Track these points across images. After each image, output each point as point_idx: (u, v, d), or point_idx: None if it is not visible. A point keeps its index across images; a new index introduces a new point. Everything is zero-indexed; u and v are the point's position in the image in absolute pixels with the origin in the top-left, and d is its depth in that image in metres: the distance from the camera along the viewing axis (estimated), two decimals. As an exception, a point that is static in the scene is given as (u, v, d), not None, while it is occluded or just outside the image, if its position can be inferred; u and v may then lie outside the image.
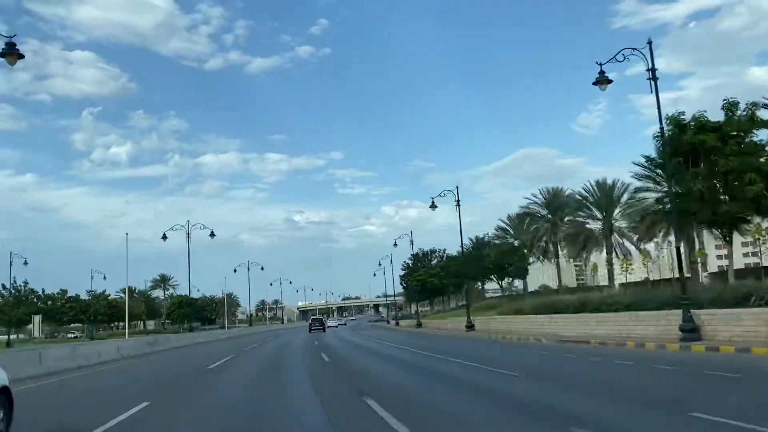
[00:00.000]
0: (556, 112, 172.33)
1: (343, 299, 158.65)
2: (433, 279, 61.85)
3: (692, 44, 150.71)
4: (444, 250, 72.01)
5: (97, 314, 72.95)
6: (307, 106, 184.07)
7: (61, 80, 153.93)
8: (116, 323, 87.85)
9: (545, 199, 47.15)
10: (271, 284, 77.12)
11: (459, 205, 29.36)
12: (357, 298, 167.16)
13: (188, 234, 30.66)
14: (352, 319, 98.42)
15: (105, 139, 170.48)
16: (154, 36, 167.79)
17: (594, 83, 15.76)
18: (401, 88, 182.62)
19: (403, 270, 69.35)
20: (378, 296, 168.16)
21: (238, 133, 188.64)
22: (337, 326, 71.01)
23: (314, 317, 65.84)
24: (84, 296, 73.28)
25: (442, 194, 30.46)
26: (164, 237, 30.27)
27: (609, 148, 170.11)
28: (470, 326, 27.71)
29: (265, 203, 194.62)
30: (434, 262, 72.62)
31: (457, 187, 30.61)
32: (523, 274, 55.50)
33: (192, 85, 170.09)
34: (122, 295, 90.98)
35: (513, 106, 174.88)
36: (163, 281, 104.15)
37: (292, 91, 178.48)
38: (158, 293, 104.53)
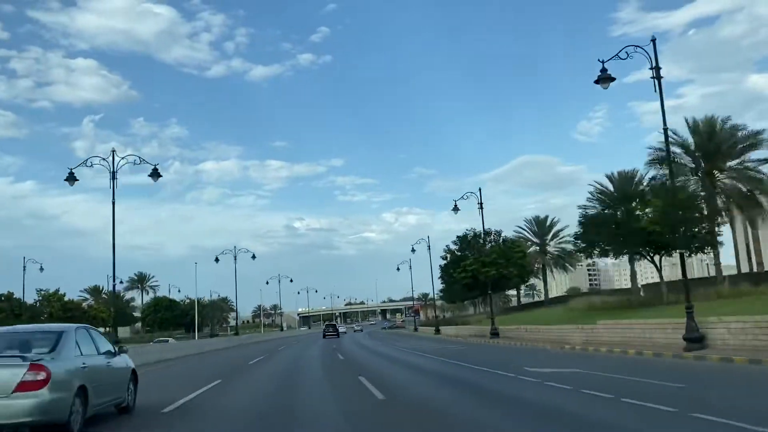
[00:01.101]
0: (557, 120, 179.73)
1: (347, 304, 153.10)
2: (488, 269, 47.17)
3: (692, 52, 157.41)
4: (500, 232, 57.56)
5: (45, 317, 58.43)
6: (308, 114, 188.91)
7: (63, 87, 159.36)
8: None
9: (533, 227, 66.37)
10: (267, 282, 68.24)
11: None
12: (362, 303, 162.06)
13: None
14: (358, 327, 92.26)
15: (106, 146, 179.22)
16: (156, 44, 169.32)
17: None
18: (402, 95, 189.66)
19: (443, 259, 56.79)
20: (383, 301, 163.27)
21: (239, 140, 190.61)
22: (355, 331, 76.90)
23: (328, 323, 72.19)
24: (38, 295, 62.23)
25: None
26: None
27: (608, 155, 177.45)
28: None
29: (266, 210, 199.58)
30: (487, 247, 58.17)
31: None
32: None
33: (193, 92, 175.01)
34: (86, 296, 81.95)
35: (514, 114, 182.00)
36: (140, 281, 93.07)
37: (293, 98, 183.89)
38: (136, 296, 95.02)
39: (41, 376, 5.59)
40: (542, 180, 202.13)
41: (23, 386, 5.51)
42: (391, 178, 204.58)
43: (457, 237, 56.06)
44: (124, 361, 7.98)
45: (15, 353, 5.99)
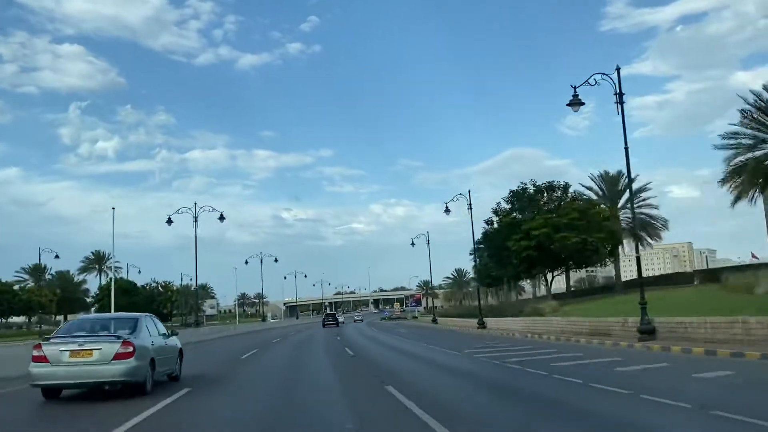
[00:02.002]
0: (545, 113, 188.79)
1: (336, 294, 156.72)
2: (565, 235, 36.06)
3: (679, 48, 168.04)
4: (567, 185, 46.41)
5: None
6: (297, 103, 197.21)
7: (49, 73, 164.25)
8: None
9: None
10: (246, 262, 64.05)
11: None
12: (352, 293, 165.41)
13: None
14: (358, 317, 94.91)
15: (92, 133, 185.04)
16: (144, 30, 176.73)
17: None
18: (391, 86, 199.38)
19: (487, 224, 47.23)
20: (374, 291, 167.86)
21: (227, 129, 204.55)
22: (355, 321, 79.34)
23: (328, 313, 76.42)
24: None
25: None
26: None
27: (595, 150, 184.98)
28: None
29: (253, 200, 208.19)
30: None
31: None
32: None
33: (181, 80, 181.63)
34: (24, 276, 74.95)
35: (502, 106, 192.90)
36: (97, 261, 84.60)
37: (282, 87, 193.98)
38: (93, 279, 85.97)
39: (129, 349, 8.77)
40: (529, 173, 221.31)
41: (118, 356, 8.69)
42: (379, 170, 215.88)
43: (511, 192, 45.91)
44: (174, 341, 11.26)
45: (110, 333, 9.20)
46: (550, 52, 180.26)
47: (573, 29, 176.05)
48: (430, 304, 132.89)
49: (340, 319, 67.99)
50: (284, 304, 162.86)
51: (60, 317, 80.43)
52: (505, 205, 47.23)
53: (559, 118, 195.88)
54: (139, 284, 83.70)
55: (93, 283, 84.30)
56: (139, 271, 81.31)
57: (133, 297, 75.25)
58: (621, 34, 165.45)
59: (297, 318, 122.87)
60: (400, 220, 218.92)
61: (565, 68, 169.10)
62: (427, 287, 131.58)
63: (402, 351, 19.22)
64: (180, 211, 34.71)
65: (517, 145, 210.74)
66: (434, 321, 50.88)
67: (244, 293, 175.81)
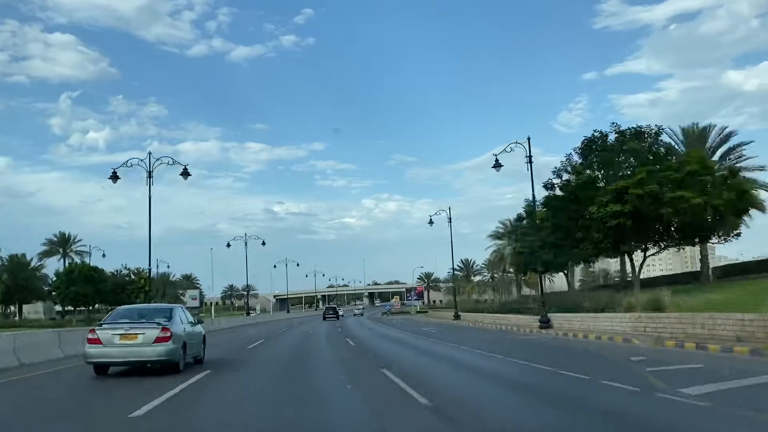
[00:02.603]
0: (538, 110, 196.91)
1: (329, 287, 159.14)
2: (682, 194, 29.26)
3: (672, 46, 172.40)
4: (659, 131, 37.25)
5: None
6: (290, 96, 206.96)
7: (40, 62, 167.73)
8: None
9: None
10: (228, 245, 57.53)
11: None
12: (345, 285, 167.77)
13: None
14: (358, 311, 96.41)
15: (83, 123, 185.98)
16: (137, 20, 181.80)
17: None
18: (384, 81, 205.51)
19: (547, 189, 38.45)
20: (369, 284, 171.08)
21: (219, 121, 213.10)
22: (355, 315, 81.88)
23: (328, 306, 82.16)
24: None
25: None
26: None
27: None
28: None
29: (245, 193, 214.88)
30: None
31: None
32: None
33: (173, 71, 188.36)
34: None
35: (495, 102, 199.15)
36: (62, 243, 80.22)
37: (275, 80, 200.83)
38: (54, 264, 79.14)
39: (167, 334, 11.16)
40: (521, 169, 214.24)
41: (158, 339, 11.08)
42: (371, 164, 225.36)
43: (586, 140, 36.84)
44: (200, 328, 13.77)
45: (151, 320, 11.54)
46: (543, 48, 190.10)
47: (567, 26, 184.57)
48: (433, 298, 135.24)
49: (340, 313, 71.45)
50: (274, 296, 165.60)
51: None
52: (577, 159, 37.56)
53: (553, 115, 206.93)
54: (109, 271, 78.16)
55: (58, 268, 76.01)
56: (104, 255, 73.08)
57: (98, 285, 69.40)
58: (615, 32, 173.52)
59: (287, 312, 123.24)
60: (392, 215, 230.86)
61: (558, 65, 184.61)
62: (429, 279, 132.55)
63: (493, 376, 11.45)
64: (129, 164, 29.07)
65: (510, 141, 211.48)
66: (457, 317, 45.14)
67: (232, 285, 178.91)
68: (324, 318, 58.22)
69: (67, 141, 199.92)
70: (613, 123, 35.62)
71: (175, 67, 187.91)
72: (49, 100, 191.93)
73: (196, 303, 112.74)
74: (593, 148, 37.37)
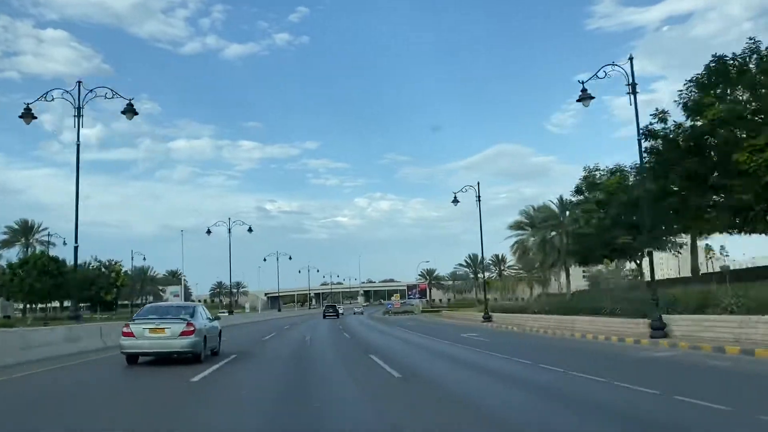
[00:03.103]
0: (531, 110, 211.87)
1: (322, 284, 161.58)
2: None
3: (665, 48, 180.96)
4: None
5: None
6: (283, 95, 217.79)
7: (31, 58, 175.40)
8: None
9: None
10: (208, 232, 52.66)
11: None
12: (339, 283, 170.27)
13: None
14: (358, 310, 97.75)
15: (75, 120, 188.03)
16: (130, 17, 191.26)
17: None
18: (378, 80, 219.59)
19: (648, 138, 29.94)
20: (363, 282, 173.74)
21: (212, 119, 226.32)
22: (355, 314, 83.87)
23: (328, 305, 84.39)
24: None
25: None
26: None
27: (580, 147, 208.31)
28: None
29: (237, 191, 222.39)
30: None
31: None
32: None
33: (166, 68, 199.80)
34: None
35: (489, 103, 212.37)
36: (24, 232, 75.59)
37: (268, 78, 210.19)
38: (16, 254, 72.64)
39: (191, 328, 13.43)
40: (515, 170, 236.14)
41: (183, 333, 13.34)
42: (364, 163, 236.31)
43: (714, 60, 27.97)
44: (217, 324, 16.10)
45: (177, 316, 13.81)
46: (537, 49, 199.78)
47: (560, 27, 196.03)
48: (434, 296, 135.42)
49: (340, 311, 74.29)
50: (265, 294, 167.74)
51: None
52: (695, 93, 28.57)
53: (546, 115, 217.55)
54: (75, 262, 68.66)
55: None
56: (65, 243, 63.61)
57: (58, 279, 61.91)
58: (608, 33, 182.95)
59: (279, 310, 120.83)
60: (384, 214, 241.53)
61: (551, 66, 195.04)
62: (431, 276, 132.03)
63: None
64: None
65: (504, 141, 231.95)
66: (487, 318, 36.89)
67: (221, 282, 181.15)
68: (324, 316, 62.89)
69: (58, 137, 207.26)
70: (750, 38, 27.20)
71: (168, 64, 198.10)
72: (41, 96, 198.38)
73: (179, 300, 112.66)
74: (726, 71, 27.61)
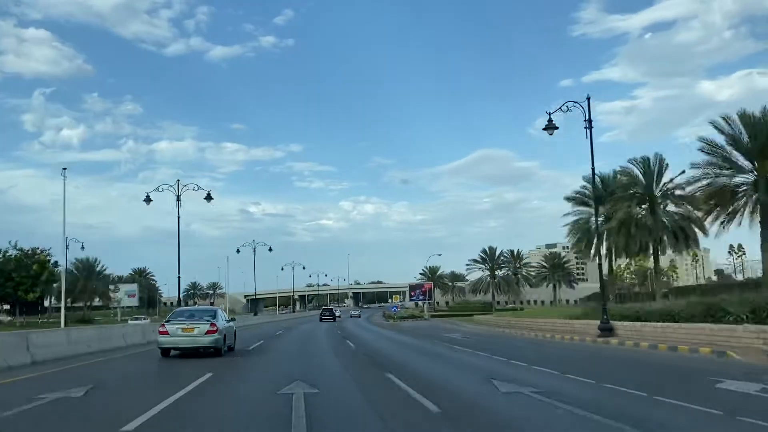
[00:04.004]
0: (515, 114, 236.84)
1: (307, 286, 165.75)
2: None
3: (648, 55, 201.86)
4: None
5: None
6: (268, 97, 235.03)
7: (13, 58, 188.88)
8: None
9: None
10: (147, 200, 49.33)
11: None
12: (325, 285, 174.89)
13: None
14: (355, 313, 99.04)
15: (56, 121, 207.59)
16: (113, 17, 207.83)
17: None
18: (364, 83, 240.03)
19: None
20: (351, 284, 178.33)
21: (196, 120, 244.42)
22: (352, 317, 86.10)
23: (325, 308, 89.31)
24: None
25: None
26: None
27: (562, 152, 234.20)
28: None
29: (221, 193, 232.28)
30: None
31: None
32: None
33: (150, 69, 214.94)
34: None
35: (473, 107, 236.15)
36: None
37: (253, 80, 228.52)
38: None
39: (214, 327, 18.14)
40: (497, 174, 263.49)
41: (208, 332, 18.03)
42: (349, 166, 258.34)
43: None
44: (232, 324, 21.02)
45: (202, 318, 18.54)
46: (522, 55, 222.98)
47: (545, 33, 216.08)
48: (438, 298, 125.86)
49: (337, 314, 78.97)
50: (245, 297, 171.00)
51: None
52: None
53: (529, 121, 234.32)
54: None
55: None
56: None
57: None
58: (592, 40, 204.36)
59: (255, 314, 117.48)
60: (369, 217, 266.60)
61: (536, 71, 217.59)
62: (434, 275, 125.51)
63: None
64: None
65: (487, 146, 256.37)
66: (607, 331, 24.21)
67: (195, 282, 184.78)
68: (321, 319, 70.34)
69: (40, 138, 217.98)
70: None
71: (152, 65, 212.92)
72: (22, 96, 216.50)
73: (134, 301, 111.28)
74: None
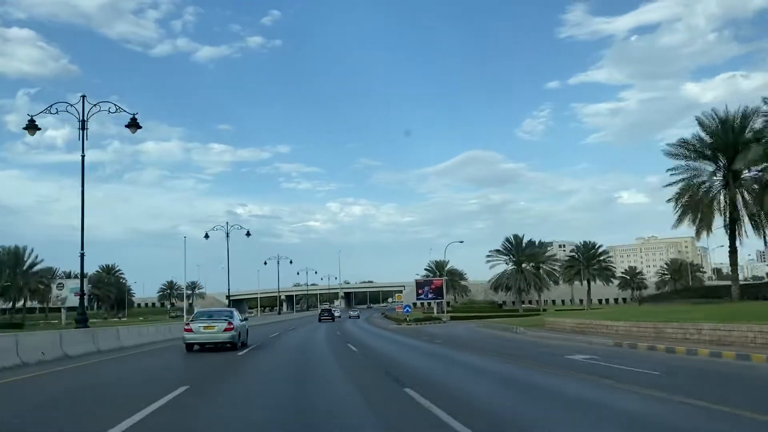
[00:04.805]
0: (503, 116, 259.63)
1: (294, 285, 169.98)
2: None
3: (633, 57, 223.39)
4: None
5: None
6: (255, 98, 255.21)
7: None
8: None
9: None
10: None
11: None
12: (314, 285, 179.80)
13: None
14: (354, 313, 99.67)
15: (41, 121, 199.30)
16: (99, 17, 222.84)
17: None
18: (351, 84, 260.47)
19: None
20: (341, 284, 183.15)
21: (182, 121, 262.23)
22: (351, 317, 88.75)
23: (324, 308, 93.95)
24: None
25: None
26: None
27: (549, 154, 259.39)
28: None
29: (207, 195, 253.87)
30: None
31: None
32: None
33: (136, 70, 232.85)
34: None
35: (460, 109, 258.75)
36: None
37: (240, 81, 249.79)
38: None
39: (232, 326, 23.08)
40: (484, 176, 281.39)
41: (226, 329, 22.95)
42: (336, 168, 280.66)
43: None
44: (246, 323, 26.36)
45: (220, 317, 23.67)
46: (509, 57, 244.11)
47: (533, 35, 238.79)
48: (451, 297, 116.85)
49: (336, 314, 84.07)
50: (227, 297, 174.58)
51: None
52: None
53: (517, 122, 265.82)
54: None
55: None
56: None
57: None
58: (578, 42, 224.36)
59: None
60: (357, 219, 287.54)
61: (523, 74, 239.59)
62: (442, 269, 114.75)
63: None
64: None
65: (474, 147, 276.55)
66: None
67: (172, 281, 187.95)
68: (320, 320, 75.98)
69: (23, 139, 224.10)
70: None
71: (138, 65, 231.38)
72: (6, 96, 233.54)
73: (75, 301, 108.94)
74: None
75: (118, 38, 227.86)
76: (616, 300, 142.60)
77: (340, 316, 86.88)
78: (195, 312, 26.02)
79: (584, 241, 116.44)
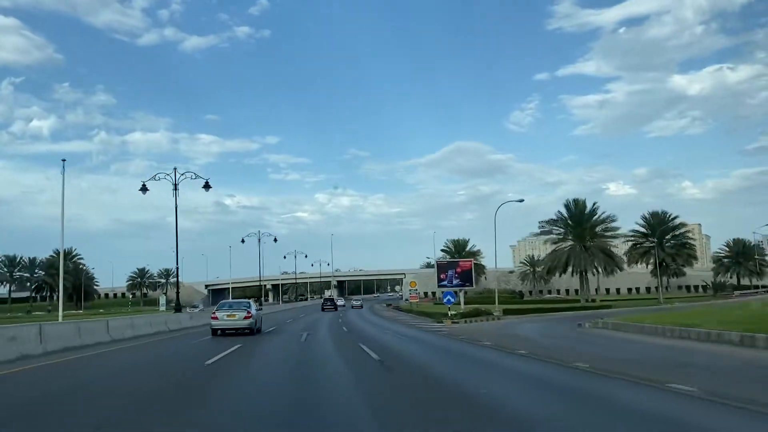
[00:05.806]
0: (491, 108, 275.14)
1: (282, 274, 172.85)
2: None
3: (621, 49, 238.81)
4: None
5: None
6: (243, 89, 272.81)
7: None
8: None
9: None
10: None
11: None
12: (302, 273, 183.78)
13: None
14: (357, 303, 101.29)
15: (26, 111, 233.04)
16: (85, 6, 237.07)
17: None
18: (340, 75, 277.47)
19: None
20: (333, 272, 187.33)
21: (169, 111, 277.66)
22: (353, 307, 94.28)
23: (326, 298, 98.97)
24: None
25: None
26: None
27: (537, 145, 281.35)
28: None
29: (195, 186, 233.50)
30: None
31: None
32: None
33: (123, 59, 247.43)
34: None
35: (449, 100, 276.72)
36: None
37: (228, 71, 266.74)
38: None
39: (250, 314, 30.15)
40: (473, 167, 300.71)
41: (245, 317, 29.95)
42: (325, 159, 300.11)
43: None
44: (261, 312, 34.96)
45: (240, 307, 30.70)
46: (498, 48, 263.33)
47: (521, 26, 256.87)
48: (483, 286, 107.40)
49: (339, 303, 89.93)
50: (206, 286, 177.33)
51: None
52: None
53: (506, 114, 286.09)
54: None
55: None
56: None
57: None
58: (567, 33, 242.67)
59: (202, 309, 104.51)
60: (345, 209, 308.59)
61: (512, 65, 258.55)
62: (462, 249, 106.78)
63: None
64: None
65: (462, 138, 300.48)
66: None
67: (144, 268, 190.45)
68: (323, 309, 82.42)
69: (8, 129, 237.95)
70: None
71: (124, 55, 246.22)
72: None
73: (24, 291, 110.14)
74: None
75: (104, 27, 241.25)
76: (648, 289, 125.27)
77: (344, 305, 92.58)
78: (218, 303, 33.05)
79: (654, 211, 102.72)
